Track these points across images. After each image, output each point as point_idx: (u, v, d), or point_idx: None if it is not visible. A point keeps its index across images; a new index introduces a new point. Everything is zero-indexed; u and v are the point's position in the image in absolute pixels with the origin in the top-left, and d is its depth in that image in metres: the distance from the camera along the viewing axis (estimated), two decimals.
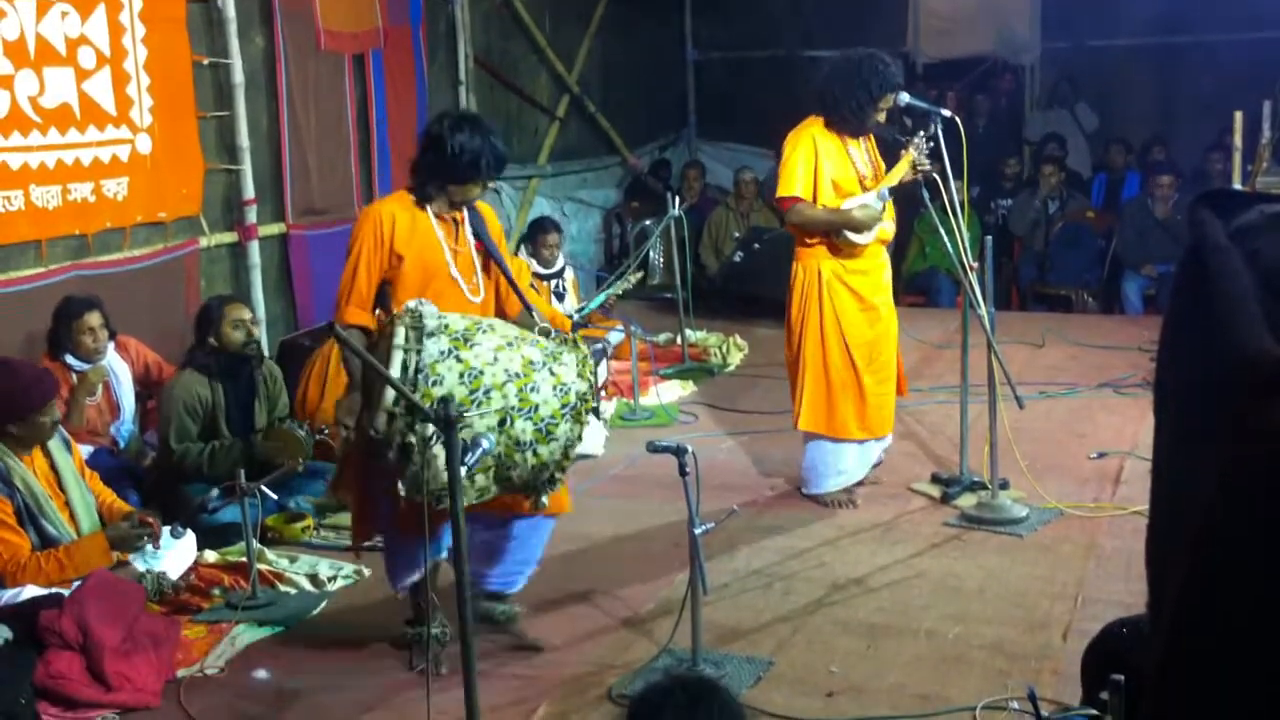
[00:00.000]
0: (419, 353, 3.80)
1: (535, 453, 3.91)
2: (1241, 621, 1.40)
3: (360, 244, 4.30)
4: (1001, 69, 11.71)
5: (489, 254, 4.48)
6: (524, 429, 3.86)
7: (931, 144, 5.53)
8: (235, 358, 5.90)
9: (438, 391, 3.76)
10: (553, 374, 3.92)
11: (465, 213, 4.45)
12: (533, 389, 3.88)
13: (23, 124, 5.85)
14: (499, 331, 3.99)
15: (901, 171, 5.58)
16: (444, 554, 4.28)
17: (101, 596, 4.36)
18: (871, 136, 5.73)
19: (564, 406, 3.90)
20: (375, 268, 4.31)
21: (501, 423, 3.83)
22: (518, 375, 3.87)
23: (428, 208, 4.38)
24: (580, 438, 3.96)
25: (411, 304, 3.96)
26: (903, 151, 5.60)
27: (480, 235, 4.46)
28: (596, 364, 7.50)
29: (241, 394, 5.97)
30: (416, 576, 4.34)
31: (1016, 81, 11.88)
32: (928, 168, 5.56)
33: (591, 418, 7.19)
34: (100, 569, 4.67)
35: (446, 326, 3.89)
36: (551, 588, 5.06)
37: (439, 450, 3.66)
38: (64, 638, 4.22)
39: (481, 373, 3.83)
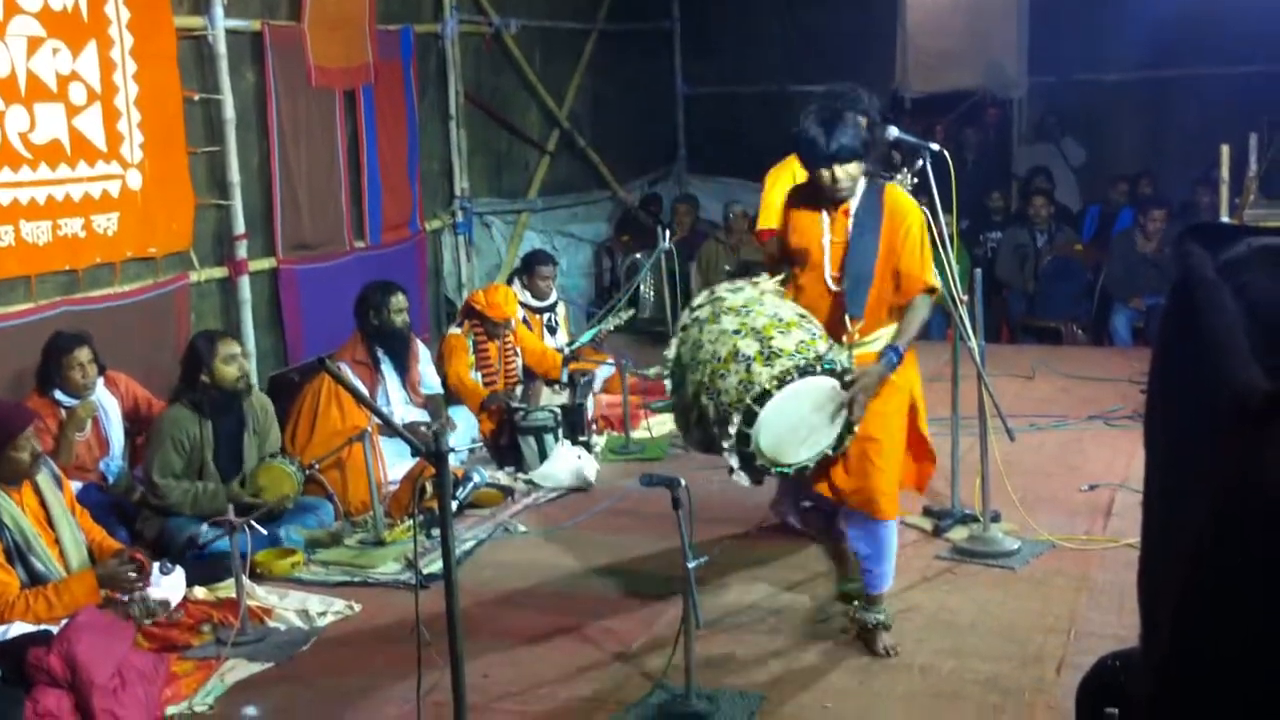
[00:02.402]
0: (693, 314, 4.48)
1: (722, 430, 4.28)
2: (1233, 651, 1.40)
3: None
4: (988, 102, 11.78)
5: (853, 246, 4.57)
6: (708, 405, 4.30)
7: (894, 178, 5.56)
8: (227, 393, 5.89)
9: (681, 350, 4.45)
10: (748, 370, 4.22)
11: (854, 203, 4.58)
12: (721, 375, 4.26)
13: (13, 160, 5.85)
14: (746, 318, 4.35)
15: None
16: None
17: (90, 634, 4.33)
18: None
19: (739, 400, 4.21)
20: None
21: (695, 394, 4.34)
22: (718, 359, 4.29)
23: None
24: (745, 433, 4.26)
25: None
26: None
27: (860, 226, 4.56)
28: (585, 397, 7.54)
29: (231, 429, 5.96)
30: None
31: (1003, 116, 11.94)
32: None
33: (582, 451, 7.22)
34: (89, 606, 4.64)
35: (719, 300, 4.46)
36: (543, 622, 5.05)
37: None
38: (52, 675, 4.19)
39: (701, 346, 4.36)
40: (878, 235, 4.54)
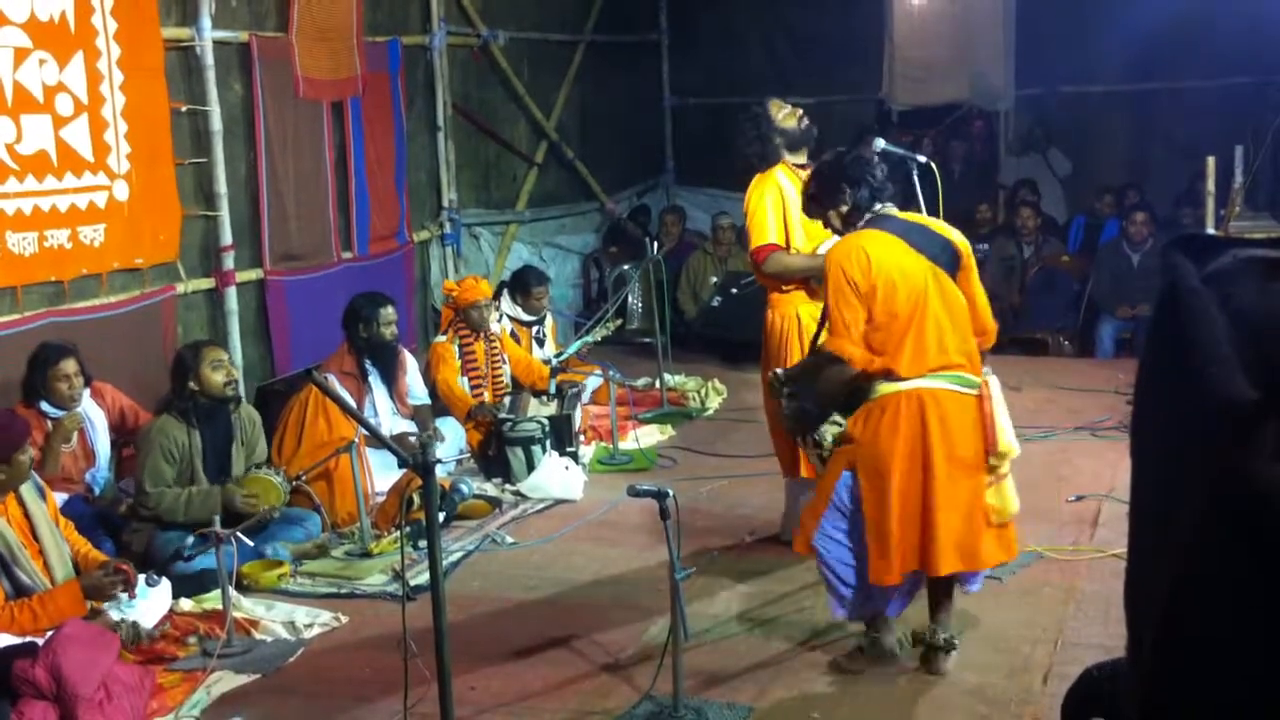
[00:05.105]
0: None
1: None
2: (1221, 664, 1.40)
3: None
4: (974, 114, 11.81)
5: None
6: None
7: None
8: (215, 401, 5.87)
9: None
10: None
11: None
12: None
13: None
14: None
15: None
16: None
17: (76, 645, 4.31)
18: None
19: None
20: None
21: None
22: None
23: None
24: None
25: None
26: None
27: None
28: (573, 408, 7.54)
29: (219, 439, 5.94)
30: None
31: (989, 127, 11.98)
32: None
33: (570, 462, 7.21)
34: (75, 618, 4.62)
35: None
36: (531, 633, 5.04)
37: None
38: (38, 688, 4.17)
39: None
40: None
